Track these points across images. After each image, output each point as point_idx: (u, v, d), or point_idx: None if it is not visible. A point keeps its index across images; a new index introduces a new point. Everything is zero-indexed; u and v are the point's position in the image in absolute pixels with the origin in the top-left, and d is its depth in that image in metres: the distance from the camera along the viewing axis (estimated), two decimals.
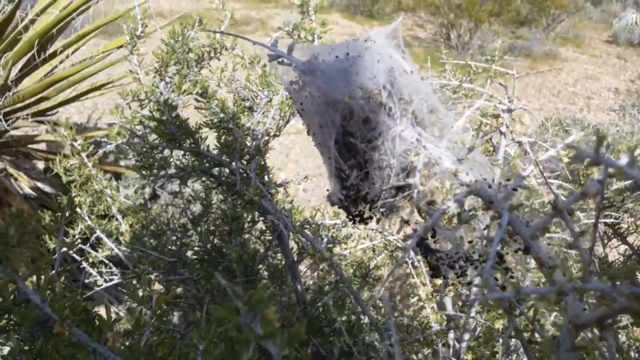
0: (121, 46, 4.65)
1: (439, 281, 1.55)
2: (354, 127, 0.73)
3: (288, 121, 1.95)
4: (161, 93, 1.92)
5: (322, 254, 1.72)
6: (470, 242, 0.82)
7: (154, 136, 2.01)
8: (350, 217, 0.81)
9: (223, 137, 1.90)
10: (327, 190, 0.78)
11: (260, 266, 2.47)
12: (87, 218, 2.42)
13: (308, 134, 0.80)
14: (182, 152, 2.03)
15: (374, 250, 1.96)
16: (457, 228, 0.79)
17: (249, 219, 2.38)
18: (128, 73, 2.15)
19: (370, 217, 0.80)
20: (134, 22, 2.04)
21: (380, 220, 0.79)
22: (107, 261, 2.54)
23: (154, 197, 5.72)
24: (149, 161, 2.04)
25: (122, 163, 5.81)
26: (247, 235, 2.40)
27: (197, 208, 2.62)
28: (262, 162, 1.85)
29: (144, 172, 2.07)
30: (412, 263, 1.69)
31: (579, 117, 8.20)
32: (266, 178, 1.92)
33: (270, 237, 2.20)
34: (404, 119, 0.73)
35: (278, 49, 0.78)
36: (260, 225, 2.24)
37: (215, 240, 2.44)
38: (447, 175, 0.72)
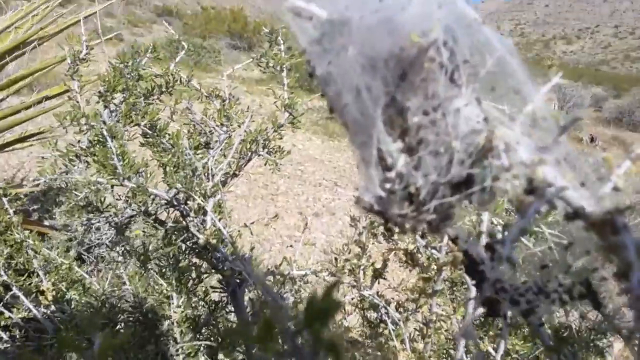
0: (55, 95, 4.35)
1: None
2: (406, 92, 0.53)
3: (250, 159, 1.74)
4: (104, 122, 1.67)
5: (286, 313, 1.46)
6: (544, 266, 0.62)
7: (91, 172, 1.73)
8: (388, 224, 0.59)
9: (175, 175, 1.66)
10: (356, 189, 0.57)
11: (204, 330, 2.17)
12: (2, 272, 2.08)
13: (331, 113, 0.59)
14: (123, 193, 1.76)
15: (344, 310, 1.72)
16: (530, 247, 0.59)
17: (194, 276, 2.10)
18: (61, 122, 1.89)
19: (414, 229, 0.59)
20: (78, 44, 1.81)
21: (424, 236, 0.58)
22: (22, 324, 2.18)
23: (81, 262, 5.24)
24: (83, 202, 1.75)
25: (46, 223, 5.32)
26: (193, 295, 2.11)
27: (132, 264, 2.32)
28: (221, 202, 1.61)
29: (75, 215, 1.77)
30: (392, 321, 1.46)
31: None
32: (222, 223, 1.67)
33: (221, 295, 1.92)
34: (469, 89, 0.54)
35: None
36: (209, 280, 1.96)
37: (152, 301, 2.13)
38: (524, 170, 0.53)
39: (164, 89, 1.92)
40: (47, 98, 4.37)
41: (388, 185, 0.55)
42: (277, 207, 6.77)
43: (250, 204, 7.01)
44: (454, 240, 0.63)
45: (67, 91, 4.11)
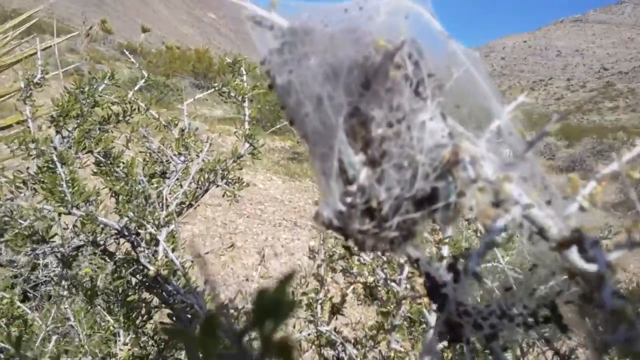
0: (6, 127, 4.21)
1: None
2: (370, 102, 0.51)
3: (207, 189, 1.69)
4: (55, 147, 1.60)
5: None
6: (508, 289, 0.59)
7: (38, 199, 1.65)
8: (348, 241, 0.55)
9: (127, 205, 1.59)
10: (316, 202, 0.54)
11: None
12: None
13: (291, 125, 0.57)
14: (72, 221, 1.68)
15: (300, 346, 1.65)
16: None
17: (143, 312, 2.00)
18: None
19: (375, 247, 0.55)
20: (33, 68, 1.75)
21: (384, 253, 0.55)
22: None
23: (25, 299, 5.00)
24: (28, 230, 1.66)
25: None
26: (142, 334, 2.01)
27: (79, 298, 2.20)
28: (175, 233, 1.54)
29: (19, 244, 1.67)
30: (350, 358, 1.40)
31: None
32: (175, 254, 1.60)
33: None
34: (434, 103, 0.52)
35: (256, 6, 0.57)
36: (159, 317, 1.87)
37: (98, 338, 2.02)
38: (489, 186, 0.51)
39: (121, 118, 1.87)
40: None
41: (349, 199, 0.52)
42: (235, 247, 6.64)
43: (208, 242, 6.87)
44: (416, 262, 0.60)
45: (20, 122, 3.98)
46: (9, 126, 4.27)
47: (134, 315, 1.94)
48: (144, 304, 1.98)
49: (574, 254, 0.52)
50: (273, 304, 0.32)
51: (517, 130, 0.52)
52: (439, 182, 0.52)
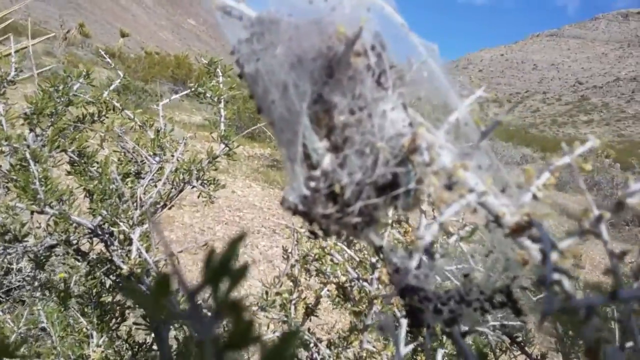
0: None
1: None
2: (333, 90, 0.53)
3: (182, 190, 1.69)
4: (28, 146, 1.59)
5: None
6: (466, 275, 0.61)
7: (11, 198, 1.64)
8: (311, 226, 0.57)
9: (101, 204, 1.58)
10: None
11: None
12: None
13: (259, 113, 0.58)
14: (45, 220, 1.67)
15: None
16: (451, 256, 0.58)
17: (117, 314, 1.99)
18: None
19: (339, 232, 0.57)
20: (6, 65, 1.74)
21: (346, 239, 0.56)
22: None
23: None
24: (1, 229, 1.64)
25: None
26: (116, 337, 1.99)
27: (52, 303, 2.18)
28: (149, 233, 1.54)
29: None
30: (323, 359, 1.41)
31: None
32: (149, 254, 1.60)
33: (145, 334, 1.82)
34: (396, 93, 0.55)
35: None
36: (134, 319, 1.86)
37: (71, 340, 2.00)
38: (445, 175, 0.53)
39: (96, 118, 1.86)
40: None
41: (313, 184, 0.54)
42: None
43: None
44: (379, 249, 0.62)
45: None
46: None
47: (107, 318, 1.93)
48: (117, 306, 1.97)
49: (526, 240, 0.54)
50: (223, 265, 0.33)
51: (474, 120, 0.55)
52: (399, 169, 0.54)
